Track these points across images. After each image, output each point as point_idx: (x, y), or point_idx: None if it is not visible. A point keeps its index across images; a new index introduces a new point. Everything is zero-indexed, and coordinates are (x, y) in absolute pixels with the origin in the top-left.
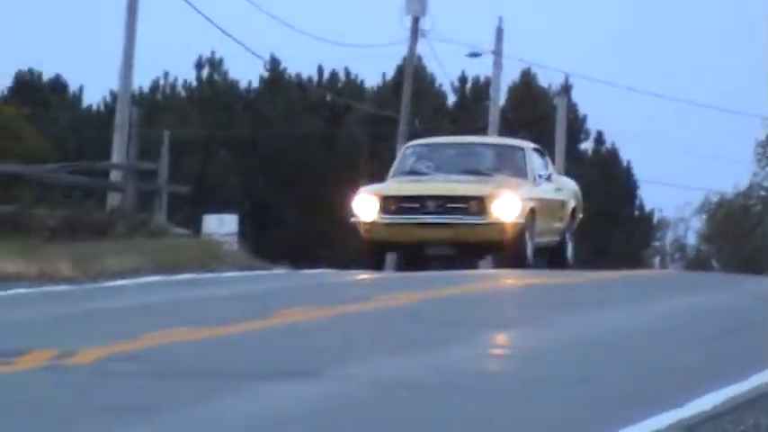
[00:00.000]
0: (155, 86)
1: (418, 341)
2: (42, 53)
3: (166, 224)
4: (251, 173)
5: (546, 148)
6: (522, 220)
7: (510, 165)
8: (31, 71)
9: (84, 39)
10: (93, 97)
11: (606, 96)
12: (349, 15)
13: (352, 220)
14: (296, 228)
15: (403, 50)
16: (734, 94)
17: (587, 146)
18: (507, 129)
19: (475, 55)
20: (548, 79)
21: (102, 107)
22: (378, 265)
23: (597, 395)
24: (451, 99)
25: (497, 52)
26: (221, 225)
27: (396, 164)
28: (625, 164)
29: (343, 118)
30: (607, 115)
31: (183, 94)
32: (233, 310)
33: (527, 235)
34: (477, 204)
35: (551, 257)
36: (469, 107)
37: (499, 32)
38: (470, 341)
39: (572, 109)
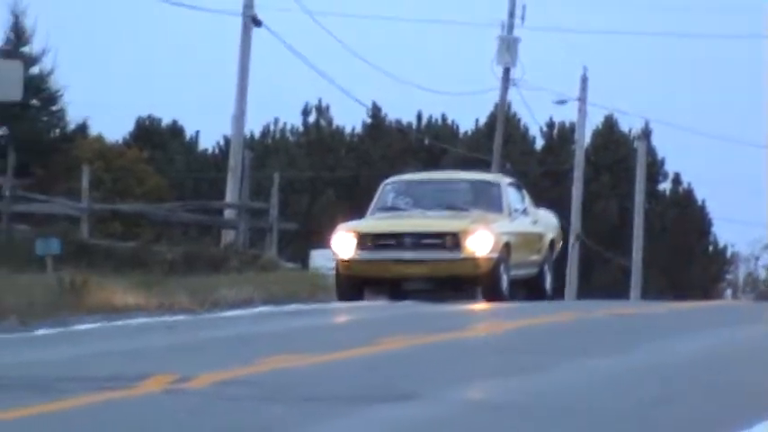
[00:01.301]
0: (266, 132)
1: (508, 367)
2: (161, 101)
3: (276, 259)
4: (355, 211)
5: (627, 188)
6: (496, 255)
7: (486, 200)
8: (150, 117)
9: (201, 88)
10: (209, 141)
11: (683, 140)
12: (445, 66)
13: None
14: None
15: (495, 98)
16: None
17: (665, 186)
18: (592, 170)
19: (561, 102)
20: (629, 124)
21: (216, 151)
22: (356, 300)
23: (676, 417)
24: (539, 142)
25: (582, 99)
26: (328, 259)
27: (375, 200)
28: (700, 203)
29: (439, 160)
30: (684, 158)
31: (291, 138)
32: (339, 338)
33: (502, 268)
34: (452, 240)
35: (529, 289)
36: (556, 150)
37: (584, 81)
38: (556, 367)
39: (651, 152)
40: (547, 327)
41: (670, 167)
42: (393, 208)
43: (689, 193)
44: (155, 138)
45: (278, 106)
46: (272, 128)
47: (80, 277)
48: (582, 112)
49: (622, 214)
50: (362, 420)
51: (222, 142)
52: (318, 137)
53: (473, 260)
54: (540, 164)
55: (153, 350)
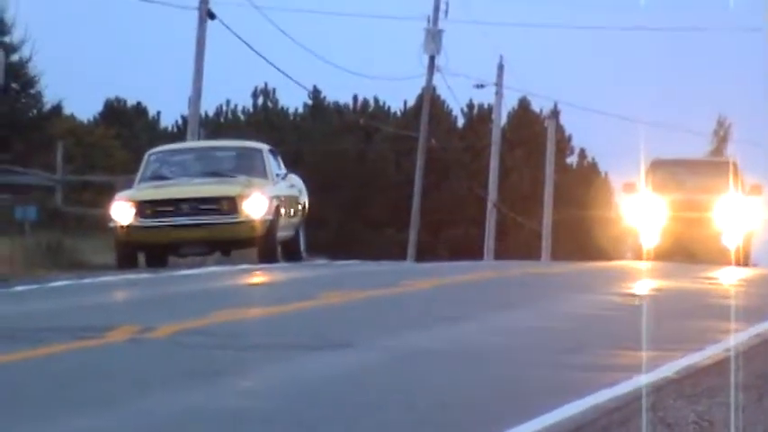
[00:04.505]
0: (219, 112)
1: (434, 319)
2: (127, 84)
3: None
4: None
5: (539, 163)
6: (270, 217)
7: (250, 166)
8: (117, 99)
9: (162, 73)
10: (169, 120)
11: (588, 118)
12: (378, 54)
13: (110, 224)
14: (336, 227)
15: (422, 82)
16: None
17: (572, 160)
18: (507, 146)
19: (480, 86)
20: (540, 105)
21: (175, 129)
22: (132, 265)
23: (585, 362)
24: (461, 122)
25: (499, 84)
26: None
27: (141, 170)
28: (603, 174)
29: (372, 137)
30: (589, 134)
31: (242, 117)
32: (286, 293)
33: (275, 230)
34: (229, 204)
35: (287, 250)
36: (476, 128)
37: (500, 67)
38: (477, 318)
39: (560, 129)
40: (469, 283)
41: (576, 143)
42: (160, 177)
43: (593, 166)
44: (121, 117)
45: (230, 89)
46: (224, 108)
47: (55, 239)
48: (498, 94)
49: (534, 184)
50: (301, 365)
51: (180, 121)
52: (266, 116)
53: (249, 223)
54: (461, 140)
55: (120, 304)
